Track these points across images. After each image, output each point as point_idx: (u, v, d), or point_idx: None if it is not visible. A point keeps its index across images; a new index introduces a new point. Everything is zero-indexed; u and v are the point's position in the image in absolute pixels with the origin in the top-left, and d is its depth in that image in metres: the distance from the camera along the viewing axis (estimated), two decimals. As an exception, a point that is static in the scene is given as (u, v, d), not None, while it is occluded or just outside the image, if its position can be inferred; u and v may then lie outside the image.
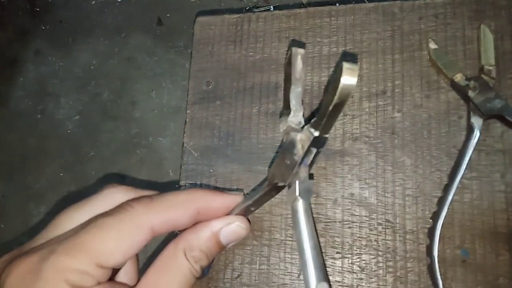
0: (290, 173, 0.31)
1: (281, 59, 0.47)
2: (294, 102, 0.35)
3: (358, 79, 0.45)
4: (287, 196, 0.34)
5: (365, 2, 0.47)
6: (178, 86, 0.77)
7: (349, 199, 0.42)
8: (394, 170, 0.42)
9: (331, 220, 0.42)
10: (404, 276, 0.40)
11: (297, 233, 0.32)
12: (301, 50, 0.33)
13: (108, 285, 0.30)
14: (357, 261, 0.41)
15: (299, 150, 0.29)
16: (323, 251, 0.42)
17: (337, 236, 0.42)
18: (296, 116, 0.35)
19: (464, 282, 0.39)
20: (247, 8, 0.78)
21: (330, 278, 0.41)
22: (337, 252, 0.41)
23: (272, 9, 0.76)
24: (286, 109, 0.35)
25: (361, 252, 0.41)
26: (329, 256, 0.41)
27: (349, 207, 0.42)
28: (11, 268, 0.28)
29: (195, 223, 0.34)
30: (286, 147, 0.31)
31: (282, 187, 0.34)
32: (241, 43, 0.48)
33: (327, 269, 0.41)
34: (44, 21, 0.85)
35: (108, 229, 0.29)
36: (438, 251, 0.38)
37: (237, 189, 0.44)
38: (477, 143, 0.39)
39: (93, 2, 0.83)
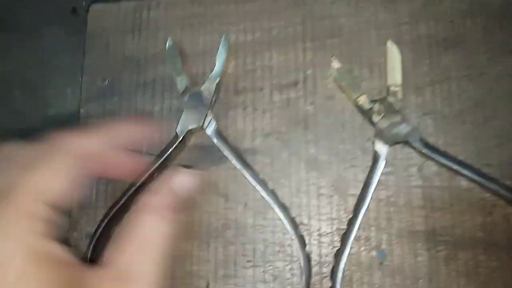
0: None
1: (185, 49, 0.42)
2: None
3: (268, 71, 0.41)
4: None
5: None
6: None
7: (260, 201, 0.38)
8: (307, 167, 0.38)
9: (241, 226, 0.38)
10: (319, 282, 0.36)
11: None
12: None
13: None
14: (269, 269, 0.37)
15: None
16: (233, 260, 0.38)
17: (248, 243, 0.38)
18: None
19: (381, 287, 0.35)
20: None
21: (241, 290, 0.37)
22: (248, 261, 0.37)
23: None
24: None
25: (274, 259, 0.37)
26: (240, 266, 0.37)
27: (261, 211, 0.38)
28: None
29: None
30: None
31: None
32: (140, 33, 0.43)
33: (237, 279, 0.37)
34: None
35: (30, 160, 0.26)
36: (352, 254, 0.35)
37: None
38: (383, 172, 0.36)
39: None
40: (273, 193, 0.37)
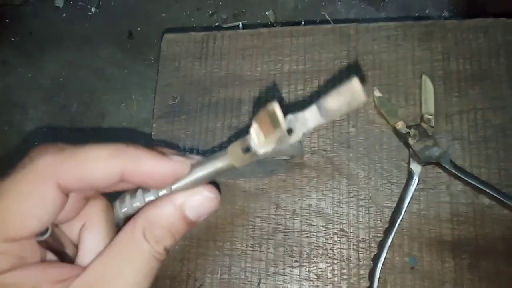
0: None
1: (244, 75, 0.49)
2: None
3: (316, 96, 0.47)
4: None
5: (325, 24, 0.50)
6: (148, 99, 0.78)
7: (307, 209, 0.44)
8: (348, 182, 0.44)
9: (289, 230, 0.44)
10: (357, 282, 0.42)
11: None
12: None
13: (35, 268, 0.25)
14: (313, 269, 0.43)
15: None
16: (282, 260, 0.43)
17: (295, 246, 0.44)
18: None
19: (412, 288, 0.41)
20: (216, 24, 0.80)
21: (288, 286, 0.43)
22: (295, 261, 0.43)
23: (240, 25, 0.79)
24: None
25: (318, 261, 0.43)
26: (288, 265, 0.43)
27: (307, 218, 0.44)
28: None
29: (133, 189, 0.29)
30: None
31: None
32: (207, 60, 0.50)
33: (285, 277, 0.43)
34: (13, 32, 0.85)
35: (6, 192, 0.24)
36: (386, 258, 0.41)
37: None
38: (416, 188, 0.42)
39: (64, 14, 0.84)
40: (317, 203, 0.44)
